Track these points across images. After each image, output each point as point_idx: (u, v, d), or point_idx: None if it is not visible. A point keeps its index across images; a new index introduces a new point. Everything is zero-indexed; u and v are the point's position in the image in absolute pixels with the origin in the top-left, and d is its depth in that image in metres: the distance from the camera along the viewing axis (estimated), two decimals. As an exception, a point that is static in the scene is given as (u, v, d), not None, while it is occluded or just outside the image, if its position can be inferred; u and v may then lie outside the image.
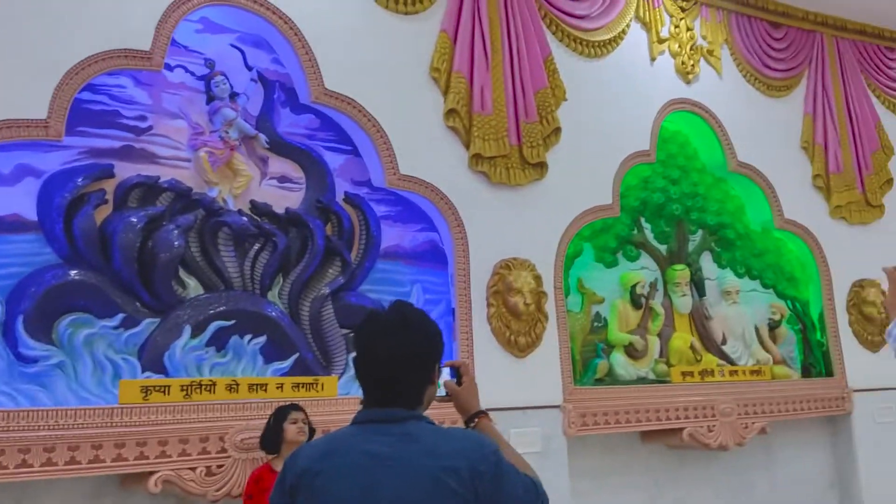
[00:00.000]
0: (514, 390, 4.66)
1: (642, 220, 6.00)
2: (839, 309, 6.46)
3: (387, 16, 4.75)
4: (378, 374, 1.67)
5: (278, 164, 4.47)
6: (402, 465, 1.55)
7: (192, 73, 4.26)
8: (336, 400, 4.06)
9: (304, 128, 4.59)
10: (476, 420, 1.87)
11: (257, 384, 3.84)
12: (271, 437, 3.37)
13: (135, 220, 3.85)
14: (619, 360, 5.50)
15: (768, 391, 5.85)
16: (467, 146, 4.82)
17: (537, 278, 4.85)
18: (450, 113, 4.77)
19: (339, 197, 4.63)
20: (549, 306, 4.91)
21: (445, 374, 1.93)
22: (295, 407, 3.46)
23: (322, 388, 4.03)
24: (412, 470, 1.55)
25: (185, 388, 3.66)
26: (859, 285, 6.56)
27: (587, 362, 5.40)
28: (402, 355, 1.65)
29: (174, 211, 4.02)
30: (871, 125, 6.99)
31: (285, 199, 4.44)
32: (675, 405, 5.33)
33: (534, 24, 5.23)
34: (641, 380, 5.53)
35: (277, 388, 3.89)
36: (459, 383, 1.92)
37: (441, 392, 1.88)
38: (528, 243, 4.92)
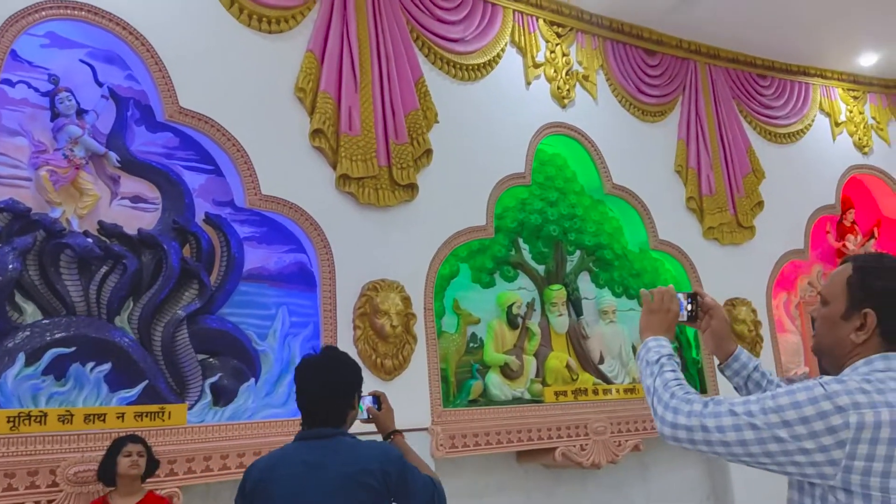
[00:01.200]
0: (381, 414, 4.59)
1: (520, 240, 6.06)
2: (712, 327, 6.65)
3: (250, 34, 4.67)
4: (311, 401, 2.26)
5: (131, 184, 4.31)
6: (329, 469, 2.11)
7: (36, 90, 4.07)
8: (185, 428, 3.91)
9: (161, 146, 4.45)
10: (392, 437, 2.58)
11: (94, 414, 3.66)
12: (106, 470, 3.21)
13: (-36, 241, 3.64)
14: (494, 380, 5.51)
15: (642, 409, 5.96)
16: (334, 167, 4.77)
17: (405, 300, 4.82)
18: (315, 133, 4.71)
19: (200, 217, 4.50)
20: (419, 328, 4.89)
21: (368, 401, 2.58)
22: (132, 438, 3.32)
23: (168, 417, 3.87)
24: (336, 472, 2.10)
25: (11, 419, 3.45)
26: (731, 304, 6.78)
27: (462, 383, 5.40)
28: (329, 387, 2.26)
29: (11, 232, 3.82)
30: (743, 150, 7.28)
31: (139, 220, 4.28)
32: (549, 425, 5.37)
33: (405, 47, 5.24)
34: (517, 400, 5.55)
35: (118, 417, 3.72)
36: (379, 409, 2.62)
37: (363, 415, 2.54)
38: (398, 265, 4.89)
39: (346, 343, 4.61)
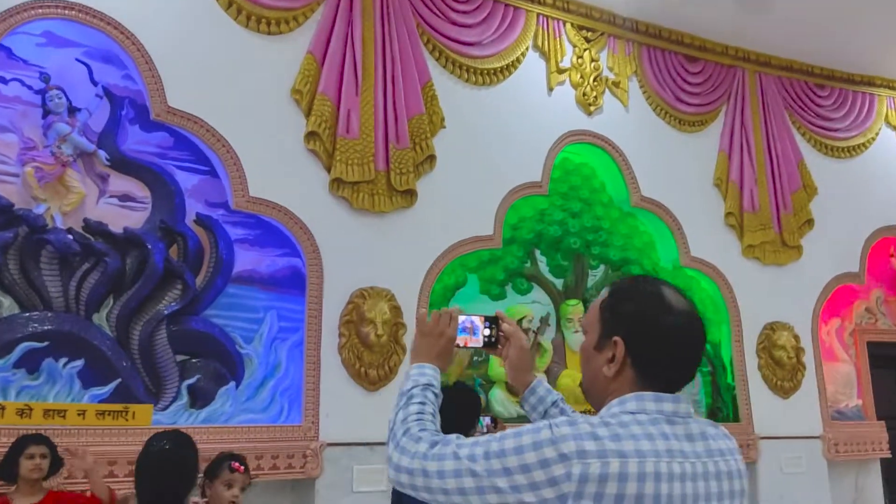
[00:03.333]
0: (363, 425, 4.46)
1: (537, 252, 5.83)
2: (748, 352, 6.24)
3: (248, 36, 4.64)
4: None
5: (121, 183, 4.34)
6: None
7: (30, 87, 4.15)
8: (149, 429, 3.87)
9: (154, 146, 4.46)
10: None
11: (54, 410, 3.67)
12: (6, 470, 3.19)
13: (-57, 234, 3.73)
14: (498, 396, 5.30)
15: (660, 435, 5.61)
16: (329, 170, 4.68)
17: (395, 308, 4.67)
18: (310, 135, 4.64)
19: (191, 218, 4.49)
20: (410, 338, 4.72)
21: (487, 420, 3.75)
22: (35, 439, 3.28)
23: (132, 417, 3.85)
24: None
25: (-34, 410, 3.50)
26: (770, 328, 6.33)
27: (462, 398, 5.20)
28: None
29: (-8, 227, 3.89)
30: (794, 164, 6.81)
31: (126, 219, 4.31)
32: (551, 446, 5.11)
33: (413, 50, 5.11)
34: (523, 418, 5.32)
35: (78, 414, 3.72)
36: (496, 427, 3.57)
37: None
38: (390, 272, 4.75)
39: (330, 351, 4.50)
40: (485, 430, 3.54)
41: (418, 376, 1.52)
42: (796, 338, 6.37)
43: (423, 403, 1.44)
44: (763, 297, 6.36)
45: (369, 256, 4.71)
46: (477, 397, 3.29)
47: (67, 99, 4.19)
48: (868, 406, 6.90)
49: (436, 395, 1.49)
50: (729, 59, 6.73)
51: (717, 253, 6.29)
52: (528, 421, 4.76)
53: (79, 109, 4.24)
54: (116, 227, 4.24)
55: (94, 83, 4.33)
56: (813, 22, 6.43)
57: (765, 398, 6.18)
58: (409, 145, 4.91)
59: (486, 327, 1.69)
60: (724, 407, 6.18)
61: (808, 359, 6.42)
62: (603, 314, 1.36)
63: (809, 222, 6.71)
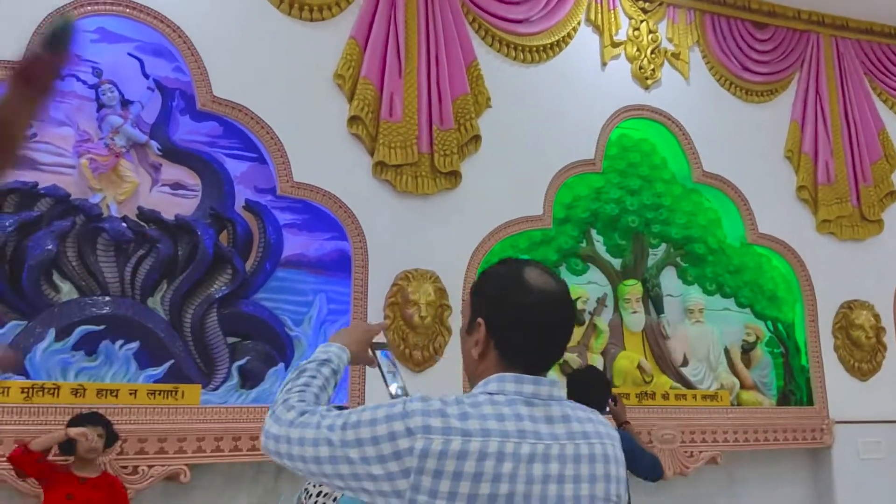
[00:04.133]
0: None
1: (593, 232, 5.71)
2: (823, 332, 5.93)
3: (290, 23, 4.71)
4: None
5: (172, 171, 4.50)
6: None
7: (84, 82, 4.35)
8: (197, 408, 4.03)
9: (204, 135, 4.61)
10: (623, 425, 4.09)
11: (107, 390, 3.87)
12: (66, 445, 3.38)
13: (7, 224, 3.97)
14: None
15: (724, 418, 5.43)
16: (372, 154, 4.72)
17: (439, 290, 4.68)
18: (353, 120, 4.68)
19: (240, 204, 4.62)
20: (455, 319, 4.73)
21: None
22: (91, 419, 3.45)
23: (182, 397, 4.01)
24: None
25: (25, 389, 3.72)
26: (848, 307, 6.00)
27: (514, 380, 5.17)
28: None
29: (52, 216, 4.11)
30: (874, 133, 6.40)
31: (177, 206, 4.47)
32: (605, 429, 5.01)
33: (458, 29, 5.07)
34: (577, 401, 5.24)
35: (130, 394, 3.90)
36: (616, 405, 4.13)
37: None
38: (435, 254, 4.75)
39: (375, 332, 4.54)
40: (607, 409, 4.00)
41: (320, 353, 1.55)
42: (876, 317, 6.01)
43: (312, 377, 1.47)
44: (840, 275, 6.02)
45: (414, 239, 4.73)
46: (602, 375, 3.83)
47: (120, 92, 4.37)
48: (961, 390, 6.44)
49: (334, 371, 1.52)
50: (802, 23, 6.37)
51: (789, 229, 5.99)
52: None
53: (131, 102, 4.42)
54: (168, 215, 4.41)
55: (146, 76, 4.50)
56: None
57: (841, 380, 5.87)
58: (453, 126, 4.89)
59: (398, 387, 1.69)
60: (797, 390, 5.90)
61: (890, 339, 6.05)
62: (471, 297, 1.39)
63: (892, 194, 6.30)
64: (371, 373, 4.49)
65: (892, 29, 6.64)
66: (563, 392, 1.37)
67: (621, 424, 4.13)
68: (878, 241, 6.19)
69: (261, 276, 4.58)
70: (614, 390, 5.34)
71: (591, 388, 3.73)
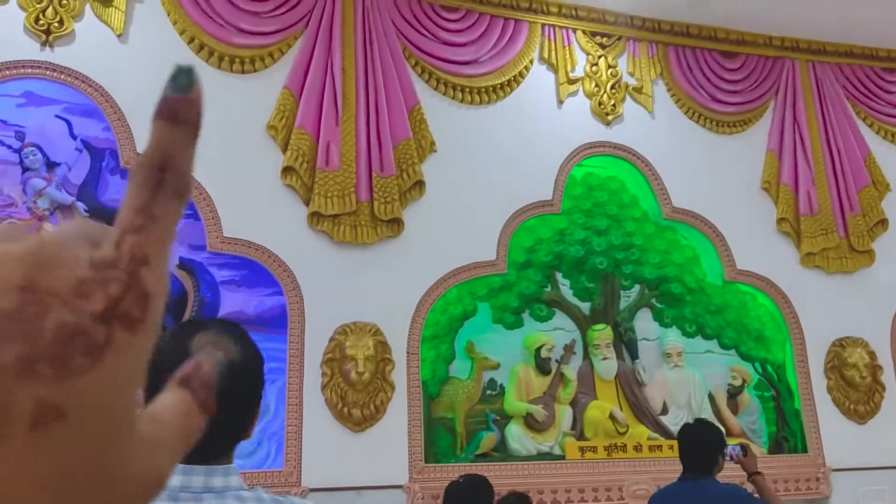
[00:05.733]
0: (349, 469, 4.26)
1: (558, 275, 5.45)
2: (815, 373, 5.55)
3: (221, 76, 4.65)
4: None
5: (101, 232, 4.40)
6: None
7: (9, 146, 4.31)
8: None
9: (135, 194, 4.51)
10: (753, 477, 3.73)
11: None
12: None
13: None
14: (515, 432, 4.95)
15: (705, 470, 5.05)
16: (308, 205, 4.58)
17: (381, 344, 4.46)
18: (286, 171, 4.56)
19: (173, 263, 4.49)
20: (399, 375, 4.50)
21: (737, 449, 3.82)
22: None
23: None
24: None
25: None
26: (840, 344, 5.62)
27: (473, 435, 4.90)
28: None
29: (-29, 283, 4.02)
30: (860, 159, 6.07)
31: (106, 267, 4.36)
32: (570, 486, 4.70)
33: (399, 74, 4.95)
34: (543, 456, 4.94)
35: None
36: (745, 455, 3.81)
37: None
38: (377, 306, 4.56)
39: (313, 391, 4.34)
40: (731, 459, 3.73)
41: None
42: (871, 354, 5.61)
43: None
44: (829, 310, 5.65)
45: (353, 291, 4.54)
46: (718, 430, 3.55)
47: (44, 154, 4.32)
48: (976, 430, 5.96)
49: None
50: (774, 50, 6.13)
51: (771, 264, 5.66)
52: (550, 458, 4.49)
53: (58, 164, 4.36)
54: (96, 277, 4.29)
55: (74, 137, 4.45)
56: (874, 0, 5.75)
57: (837, 424, 5.46)
58: (394, 173, 4.73)
59: None
60: (790, 436, 5.51)
61: (889, 377, 5.63)
62: None
63: (883, 223, 5.94)
64: (308, 431, 4.28)
65: (874, 51, 6.36)
66: (237, 479, 1.16)
67: (751, 476, 3.81)
68: (870, 273, 5.82)
69: (195, 335, 4.42)
70: (584, 443, 5.05)
71: (699, 445, 3.36)
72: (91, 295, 0.26)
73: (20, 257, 0.26)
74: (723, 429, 5.35)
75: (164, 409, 0.30)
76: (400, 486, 4.32)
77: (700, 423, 3.68)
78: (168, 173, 0.28)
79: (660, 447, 5.10)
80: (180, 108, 0.29)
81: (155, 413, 0.30)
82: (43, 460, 0.24)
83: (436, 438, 4.76)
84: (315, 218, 4.55)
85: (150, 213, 0.28)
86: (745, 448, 3.90)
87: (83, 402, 0.25)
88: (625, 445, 5.03)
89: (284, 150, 4.60)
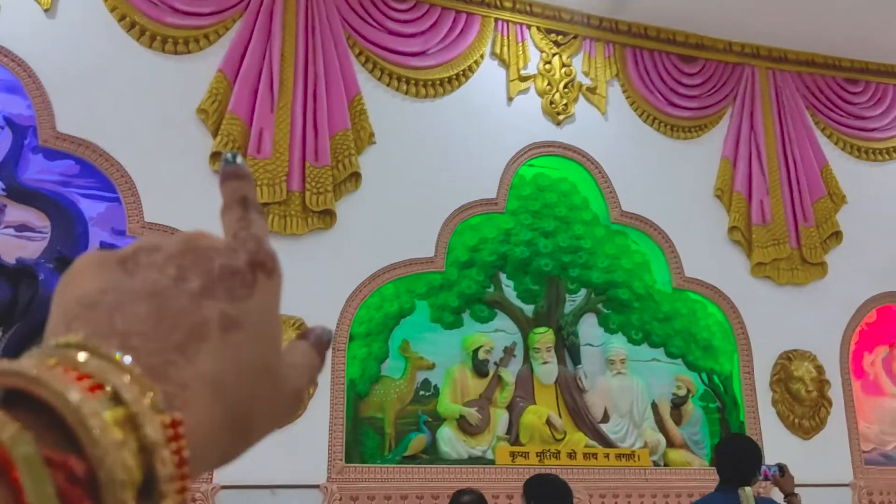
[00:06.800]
0: (264, 467, 4.08)
1: (502, 276, 5.33)
2: (760, 385, 5.44)
3: (152, 56, 4.50)
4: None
5: (17, 213, 4.25)
6: None
7: (-76, 121, 4.15)
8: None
9: (58, 174, 4.36)
10: (789, 498, 3.67)
11: None
12: None
13: None
14: (446, 435, 4.81)
15: (641, 480, 4.94)
16: (237, 192, 4.42)
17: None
18: (215, 156, 4.41)
19: (94, 246, 4.34)
20: (323, 372, 4.33)
21: (774, 469, 3.76)
22: None
23: None
24: None
25: None
26: (787, 357, 5.51)
27: (403, 436, 4.76)
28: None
29: None
30: (816, 169, 5.98)
31: (22, 249, 4.20)
32: (499, 491, 4.56)
33: (341, 63, 4.81)
34: (475, 460, 4.81)
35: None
36: (782, 476, 3.73)
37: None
38: (303, 300, 4.40)
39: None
40: (766, 478, 3.72)
41: None
42: (819, 368, 5.50)
43: None
44: (778, 322, 5.55)
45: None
46: (755, 445, 3.41)
47: (-41, 131, 4.16)
48: (924, 448, 5.87)
49: None
50: (734, 56, 6.04)
51: (720, 272, 5.56)
52: (482, 463, 4.37)
53: (-25, 141, 4.20)
54: (10, 258, 4.14)
55: (-6, 114, 4.29)
56: (838, 9, 5.66)
57: (781, 438, 5.35)
58: (329, 163, 4.59)
59: None
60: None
61: (836, 392, 5.53)
62: None
63: (837, 235, 5.84)
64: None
65: (835, 60, 6.27)
66: None
67: (787, 497, 3.75)
68: (822, 286, 5.72)
69: (113, 323, 4.26)
70: (516, 448, 4.92)
71: (742, 458, 3.25)
72: (237, 251, 0.38)
73: (179, 237, 0.38)
74: (664, 440, 5.31)
75: (295, 350, 0.41)
76: (317, 486, 4.17)
77: (742, 435, 3.76)
78: (246, 201, 0.41)
79: (595, 455, 4.97)
80: (236, 170, 0.43)
81: (289, 349, 0.41)
82: (230, 353, 0.35)
83: (362, 438, 4.62)
84: (243, 206, 4.40)
85: (247, 220, 0.40)
86: (782, 468, 3.80)
87: (249, 319, 0.36)
88: (558, 452, 4.90)
89: (215, 136, 4.45)
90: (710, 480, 5.04)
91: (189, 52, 4.55)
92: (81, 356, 0.30)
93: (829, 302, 5.69)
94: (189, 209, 4.29)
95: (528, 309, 5.32)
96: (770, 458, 5.15)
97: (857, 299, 5.78)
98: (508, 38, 5.41)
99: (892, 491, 5.46)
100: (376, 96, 4.92)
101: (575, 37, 5.63)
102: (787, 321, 5.57)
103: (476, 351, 5.03)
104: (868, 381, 5.91)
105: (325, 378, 4.33)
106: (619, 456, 5.03)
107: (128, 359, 0.31)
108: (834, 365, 5.59)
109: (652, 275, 5.63)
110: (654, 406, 5.41)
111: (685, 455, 5.31)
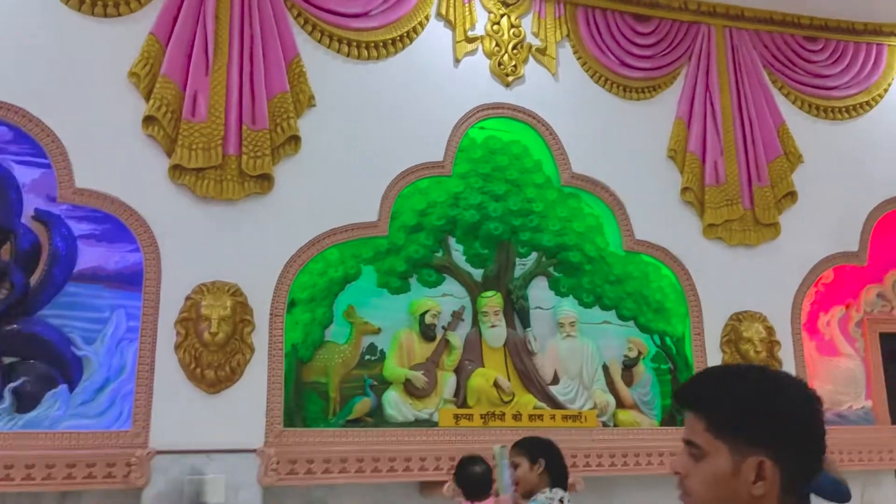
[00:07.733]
0: (201, 432, 4.11)
1: (451, 240, 5.29)
2: (710, 346, 5.44)
3: (80, 20, 4.41)
4: None
5: (-53, 180, 4.20)
6: None
7: None
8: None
9: (-11, 141, 4.31)
10: None
11: None
12: None
13: None
14: (392, 398, 4.82)
15: (588, 440, 4.96)
16: (170, 157, 4.38)
17: (240, 304, 4.30)
18: (148, 120, 4.35)
19: (28, 214, 4.30)
20: (260, 337, 4.34)
21: None
22: None
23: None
24: None
25: None
26: (737, 318, 5.51)
27: (348, 400, 4.76)
28: None
29: None
30: (773, 129, 5.92)
31: (-47, 218, 4.16)
32: (441, 453, 4.58)
33: (279, 24, 4.74)
34: (421, 422, 4.83)
35: None
36: None
37: None
38: (240, 265, 4.39)
39: (166, 351, 4.18)
40: None
41: None
42: (769, 329, 5.51)
43: None
44: (729, 284, 5.54)
45: (215, 248, 4.36)
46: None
47: None
48: (880, 408, 5.90)
49: None
50: (690, 14, 5.94)
51: (672, 234, 5.53)
52: (427, 425, 4.23)
53: None
54: (-60, 227, 4.10)
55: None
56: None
57: (731, 399, 5.35)
58: (267, 127, 4.54)
59: None
60: (685, 410, 5.41)
61: (786, 353, 5.53)
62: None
63: (791, 195, 5.80)
64: (160, 391, 4.13)
65: (794, 17, 6.18)
66: None
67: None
68: (774, 247, 5.69)
69: (48, 291, 4.25)
70: (461, 410, 4.93)
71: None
72: None
73: None
74: (615, 401, 5.31)
75: None
76: (253, 451, 4.18)
77: None
78: None
79: (541, 417, 4.99)
80: None
81: None
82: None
83: (305, 403, 4.62)
84: (177, 171, 4.35)
85: None
86: None
87: None
88: (503, 414, 4.91)
89: (147, 100, 4.38)
90: (657, 440, 5.11)
91: (119, 14, 4.47)
92: None
93: (782, 263, 5.68)
94: (121, 174, 4.26)
95: (478, 273, 5.30)
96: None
97: (810, 260, 5.76)
98: (455, -2, 5.32)
99: (852, 450, 5.48)
100: (316, 58, 4.84)
101: (525, -4, 5.53)
102: (738, 282, 5.56)
103: (423, 315, 5.02)
104: (823, 342, 5.92)
105: (262, 343, 4.32)
106: (565, 417, 5.05)
107: None
108: (785, 326, 5.59)
109: (605, 237, 5.60)
110: (606, 368, 5.42)
111: (635, 415, 5.33)
